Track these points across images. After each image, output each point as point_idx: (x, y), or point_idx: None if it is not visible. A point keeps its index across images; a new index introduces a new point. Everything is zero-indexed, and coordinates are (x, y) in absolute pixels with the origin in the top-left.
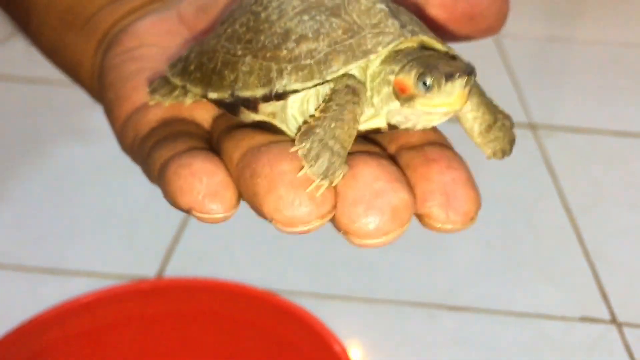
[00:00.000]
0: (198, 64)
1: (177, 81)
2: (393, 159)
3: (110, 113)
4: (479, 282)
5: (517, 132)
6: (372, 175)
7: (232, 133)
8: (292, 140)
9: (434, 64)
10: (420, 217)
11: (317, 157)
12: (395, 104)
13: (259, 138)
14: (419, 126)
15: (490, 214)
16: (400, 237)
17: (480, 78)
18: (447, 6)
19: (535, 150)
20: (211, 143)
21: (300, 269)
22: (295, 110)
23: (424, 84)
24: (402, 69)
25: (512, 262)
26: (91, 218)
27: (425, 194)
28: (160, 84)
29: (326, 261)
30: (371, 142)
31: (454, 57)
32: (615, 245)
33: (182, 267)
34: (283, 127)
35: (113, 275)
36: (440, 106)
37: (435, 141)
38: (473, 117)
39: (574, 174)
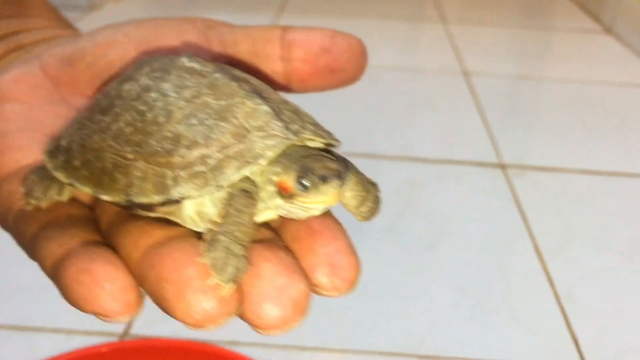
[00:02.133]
0: (84, 161)
1: (61, 177)
2: (279, 230)
3: None
4: (450, 329)
5: (488, 172)
6: (272, 271)
7: (127, 227)
8: (190, 235)
9: (311, 166)
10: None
11: (224, 265)
12: (280, 200)
13: (157, 234)
14: (303, 216)
15: (461, 257)
16: (301, 322)
17: (451, 117)
18: (310, 61)
19: (505, 190)
20: (97, 225)
21: None
22: (191, 212)
23: (302, 185)
24: (283, 170)
25: (483, 307)
26: None
27: (313, 266)
28: (34, 180)
29: None
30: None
31: (330, 151)
32: (584, 288)
33: (149, 322)
34: (179, 222)
35: (79, 331)
36: (318, 203)
37: None
38: (350, 195)
39: (543, 214)
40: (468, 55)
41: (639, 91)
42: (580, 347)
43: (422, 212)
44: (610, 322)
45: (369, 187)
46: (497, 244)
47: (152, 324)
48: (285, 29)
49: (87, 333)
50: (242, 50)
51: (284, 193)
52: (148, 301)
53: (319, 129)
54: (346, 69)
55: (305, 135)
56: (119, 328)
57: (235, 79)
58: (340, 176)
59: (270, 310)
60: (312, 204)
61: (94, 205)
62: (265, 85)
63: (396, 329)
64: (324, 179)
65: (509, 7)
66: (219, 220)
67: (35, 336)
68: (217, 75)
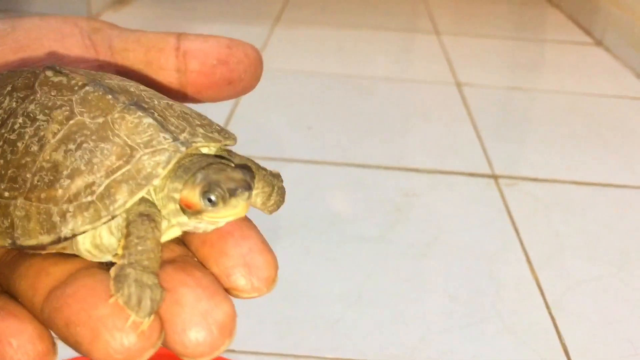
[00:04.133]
0: None
1: None
2: (188, 236)
3: None
4: (442, 337)
5: (480, 182)
6: (193, 296)
7: (22, 268)
8: (92, 265)
9: (216, 179)
10: (227, 290)
11: (140, 299)
12: (184, 217)
13: (56, 272)
14: (210, 229)
15: (453, 266)
16: (230, 345)
17: (443, 128)
18: (206, 73)
19: (497, 200)
20: None
21: (263, 329)
22: (87, 245)
23: (209, 200)
24: (185, 186)
25: (474, 315)
26: None
27: (228, 269)
28: None
29: (290, 319)
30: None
31: (226, 155)
32: (574, 298)
33: None
34: (75, 253)
35: None
36: (226, 217)
37: None
38: (255, 193)
39: (534, 224)
40: (461, 67)
41: (629, 103)
42: (570, 355)
43: (414, 222)
44: (600, 331)
45: (273, 181)
46: (488, 253)
47: None
48: (180, 37)
49: None
50: (133, 58)
51: (188, 210)
52: None
53: (209, 131)
54: (243, 80)
55: (197, 144)
56: None
57: (109, 90)
58: (248, 186)
59: (197, 338)
60: (220, 218)
61: None
62: (146, 89)
63: (389, 337)
64: (233, 192)
65: (502, 19)
66: (121, 251)
67: None
68: (89, 88)
